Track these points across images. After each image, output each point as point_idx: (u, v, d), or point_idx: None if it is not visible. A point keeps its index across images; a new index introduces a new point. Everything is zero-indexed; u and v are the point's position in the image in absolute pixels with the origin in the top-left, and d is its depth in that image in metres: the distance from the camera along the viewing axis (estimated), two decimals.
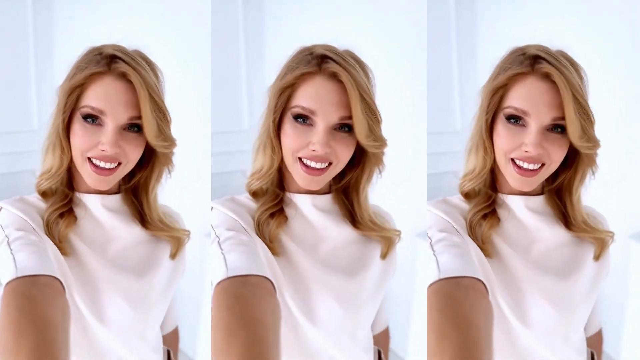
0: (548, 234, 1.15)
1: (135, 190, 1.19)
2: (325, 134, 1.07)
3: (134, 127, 1.10)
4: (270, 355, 0.89)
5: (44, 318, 0.90)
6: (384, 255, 1.21)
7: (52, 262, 1.03)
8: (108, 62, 1.08)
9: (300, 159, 1.10)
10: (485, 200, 1.14)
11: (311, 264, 1.14)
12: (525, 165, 1.08)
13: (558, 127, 1.06)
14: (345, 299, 1.15)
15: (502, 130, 1.08)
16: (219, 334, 0.91)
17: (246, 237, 1.09)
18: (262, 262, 1.05)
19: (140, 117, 1.07)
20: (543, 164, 1.09)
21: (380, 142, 1.12)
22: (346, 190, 1.20)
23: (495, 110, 1.10)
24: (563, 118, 1.05)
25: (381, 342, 1.37)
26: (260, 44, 3.79)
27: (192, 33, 2.60)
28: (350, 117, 1.07)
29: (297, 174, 1.11)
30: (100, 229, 1.15)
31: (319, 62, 1.09)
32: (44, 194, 1.15)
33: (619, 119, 2.29)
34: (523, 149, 1.06)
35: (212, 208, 1.16)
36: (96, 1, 3.63)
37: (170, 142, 1.13)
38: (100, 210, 1.14)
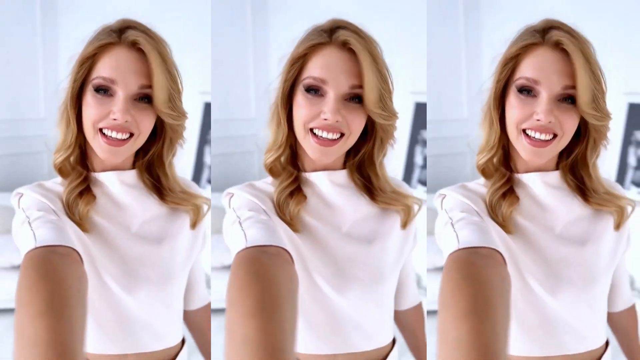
0: (567, 207, 1.16)
1: (150, 167, 1.21)
2: (336, 102, 1.08)
3: (145, 98, 1.11)
4: (283, 308, 0.90)
5: (59, 276, 0.93)
6: (404, 225, 1.22)
7: (70, 236, 1.05)
8: (119, 33, 1.11)
9: (312, 130, 1.11)
10: (501, 178, 1.15)
11: (333, 237, 1.16)
12: (537, 135, 1.08)
13: (569, 99, 1.07)
14: (368, 269, 1.17)
15: (513, 101, 1.09)
16: (233, 289, 0.92)
17: (265, 217, 1.11)
18: (281, 236, 1.07)
19: (150, 86, 1.09)
20: (555, 136, 1.09)
21: (390, 113, 1.13)
22: (361, 166, 1.21)
23: (506, 84, 1.11)
24: (574, 87, 1.06)
25: (413, 319, 1.38)
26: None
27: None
28: (360, 87, 1.09)
29: (309, 146, 1.12)
30: (118, 205, 1.17)
31: (330, 33, 1.11)
32: (60, 172, 1.16)
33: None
34: (535, 117, 1.07)
35: (232, 195, 1.18)
36: (99, 3, 3.71)
37: (180, 113, 1.14)
38: (117, 187, 1.17)
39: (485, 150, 1.16)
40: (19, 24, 4.02)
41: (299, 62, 1.11)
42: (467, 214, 1.11)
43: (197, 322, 1.37)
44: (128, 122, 1.10)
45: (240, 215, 1.11)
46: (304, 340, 1.17)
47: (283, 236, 1.09)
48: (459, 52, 3.80)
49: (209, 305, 1.37)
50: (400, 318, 1.38)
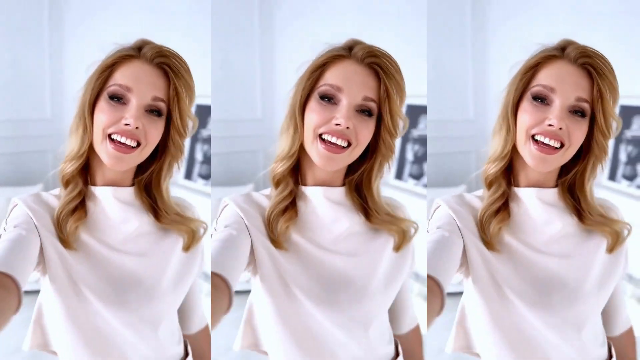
0: (559, 225, 1.18)
1: (148, 186, 1.21)
2: (349, 109, 1.12)
3: (155, 111, 1.14)
4: None
5: None
6: (397, 248, 1.22)
7: (21, 260, 1.07)
8: (138, 50, 1.16)
9: (320, 136, 1.14)
10: (497, 190, 1.18)
11: (320, 254, 1.17)
12: (546, 140, 1.12)
13: (579, 112, 1.12)
14: (354, 288, 1.17)
15: (527, 107, 1.13)
16: None
17: (232, 231, 1.15)
18: (16, 257, 1.07)
19: (162, 100, 1.14)
20: (562, 145, 1.12)
21: (397, 129, 1.17)
22: (358, 186, 1.22)
23: (522, 93, 1.15)
24: (586, 101, 1.11)
25: (411, 342, 1.37)
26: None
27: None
28: (372, 100, 1.13)
29: (315, 153, 1.14)
30: (110, 220, 1.18)
31: (349, 49, 1.16)
32: (66, 182, 1.18)
33: None
34: (546, 122, 1.11)
35: (226, 204, 1.21)
36: (104, 6, 3.78)
37: (185, 129, 1.18)
38: (112, 202, 1.18)
39: (498, 159, 1.18)
40: (26, 27, 4.09)
41: (317, 71, 1.15)
42: (441, 230, 1.16)
43: (197, 345, 1.35)
44: (138, 130, 1.13)
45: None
46: (292, 355, 1.18)
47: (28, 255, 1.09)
48: (465, 53, 3.89)
49: (206, 328, 1.37)
50: (401, 341, 1.36)
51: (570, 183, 1.20)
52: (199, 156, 3.66)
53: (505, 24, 3.72)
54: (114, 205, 1.18)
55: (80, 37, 3.88)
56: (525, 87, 1.15)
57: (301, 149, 1.18)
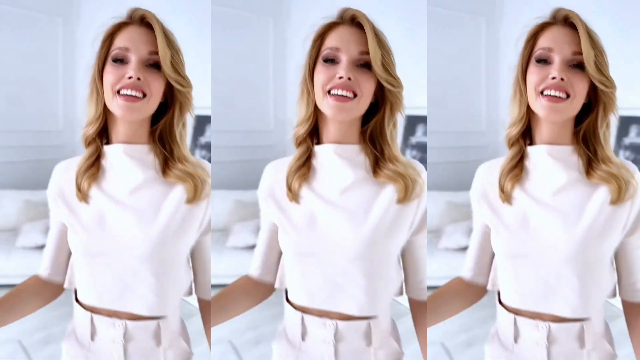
0: (565, 178, 1.28)
1: (162, 137, 1.33)
2: (348, 64, 1.26)
3: (154, 65, 1.28)
4: None
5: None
6: (400, 200, 1.29)
7: (60, 258, 1.38)
8: (129, 17, 1.30)
9: (329, 92, 1.26)
10: (517, 151, 1.31)
11: (326, 204, 1.29)
12: (552, 92, 1.24)
13: (578, 65, 1.25)
14: (353, 238, 1.27)
15: (533, 69, 1.27)
16: None
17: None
18: None
19: (157, 53, 1.27)
20: (568, 96, 1.24)
21: (394, 78, 1.29)
22: (373, 139, 1.32)
23: (528, 60, 1.29)
24: (580, 53, 1.24)
25: (416, 312, 1.41)
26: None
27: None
28: (368, 53, 1.26)
29: (327, 106, 1.26)
30: (117, 174, 1.30)
31: (341, 15, 1.30)
32: (88, 145, 1.32)
33: None
34: (550, 76, 1.24)
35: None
36: (122, 8, 3.92)
37: (185, 79, 1.30)
38: (121, 157, 1.30)
39: (516, 121, 1.30)
40: (42, 48, 4.31)
41: (318, 41, 1.29)
42: (474, 222, 1.39)
43: (203, 311, 1.42)
44: (141, 81, 1.26)
45: None
46: (300, 293, 1.31)
47: None
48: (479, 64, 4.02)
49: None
50: (410, 305, 1.43)
51: (585, 133, 1.30)
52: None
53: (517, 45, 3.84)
54: (123, 161, 1.30)
55: (91, 57, 4.01)
56: (529, 55, 1.29)
57: (317, 113, 1.31)
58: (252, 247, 1.49)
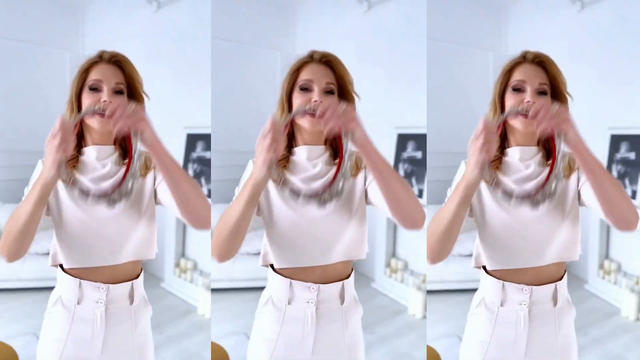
0: (533, 167, 1.68)
1: (123, 142, 1.70)
2: (319, 91, 1.67)
3: (119, 92, 1.68)
4: None
5: None
6: (354, 175, 1.71)
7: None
8: (99, 56, 1.71)
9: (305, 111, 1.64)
10: (498, 151, 1.70)
11: (301, 183, 1.67)
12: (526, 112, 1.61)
13: (543, 93, 1.66)
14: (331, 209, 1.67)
15: (510, 95, 1.68)
16: None
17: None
18: None
19: (121, 84, 1.68)
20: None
21: (352, 95, 1.71)
22: (333, 141, 1.71)
23: (504, 88, 1.69)
24: (545, 84, 1.66)
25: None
26: None
27: None
28: (332, 84, 1.68)
29: (305, 121, 1.66)
30: (92, 165, 1.69)
31: (311, 56, 1.71)
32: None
33: None
34: (525, 100, 1.65)
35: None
36: (123, 40, 4.14)
37: (142, 96, 1.72)
38: (95, 155, 1.69)
39: None
40: (52, 78, 4.60)
41: (294, 74, 1.70)
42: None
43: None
44: (111, 103, 1.60)
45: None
46: (281, 255, 1.71)
47: None
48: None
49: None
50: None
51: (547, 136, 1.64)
52: (189, 173, 4.13)
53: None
54: (95, 156, 1.70)
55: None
56: (505, 84, 1.70)
57: (293, 124, 1.70)
58: None
